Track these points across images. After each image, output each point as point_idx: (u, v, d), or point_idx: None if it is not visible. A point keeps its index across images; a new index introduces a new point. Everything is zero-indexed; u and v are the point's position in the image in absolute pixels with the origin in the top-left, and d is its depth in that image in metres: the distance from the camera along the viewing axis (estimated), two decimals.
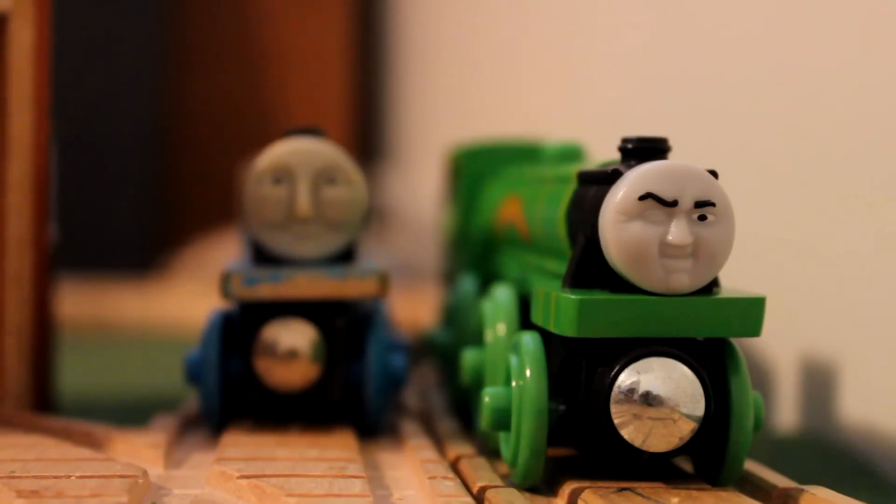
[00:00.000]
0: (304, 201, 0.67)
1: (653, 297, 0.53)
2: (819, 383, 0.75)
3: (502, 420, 0.56)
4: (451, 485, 0.54)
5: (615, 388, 0.52)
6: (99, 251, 2.00)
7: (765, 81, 0.83)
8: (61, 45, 0.81)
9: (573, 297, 0.53)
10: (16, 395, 0.74)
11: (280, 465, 0.57)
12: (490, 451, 0.62)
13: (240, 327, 0.68)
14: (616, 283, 0.54)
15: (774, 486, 0.54)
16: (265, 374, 0.67)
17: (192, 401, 0.75)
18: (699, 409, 0.52)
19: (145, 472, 0.55)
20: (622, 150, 0.56)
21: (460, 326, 0.75)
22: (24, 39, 0.73)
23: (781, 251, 0.80)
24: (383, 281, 0.67)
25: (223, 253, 1.46)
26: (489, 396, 0.56)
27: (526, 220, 0.68)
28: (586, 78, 1.22)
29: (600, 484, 0.54)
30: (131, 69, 2.17)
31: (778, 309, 0.62)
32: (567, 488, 0.54)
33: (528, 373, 0.54)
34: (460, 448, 0.63)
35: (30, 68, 0.73)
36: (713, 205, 0.53)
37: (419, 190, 1.84)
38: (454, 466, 0.59)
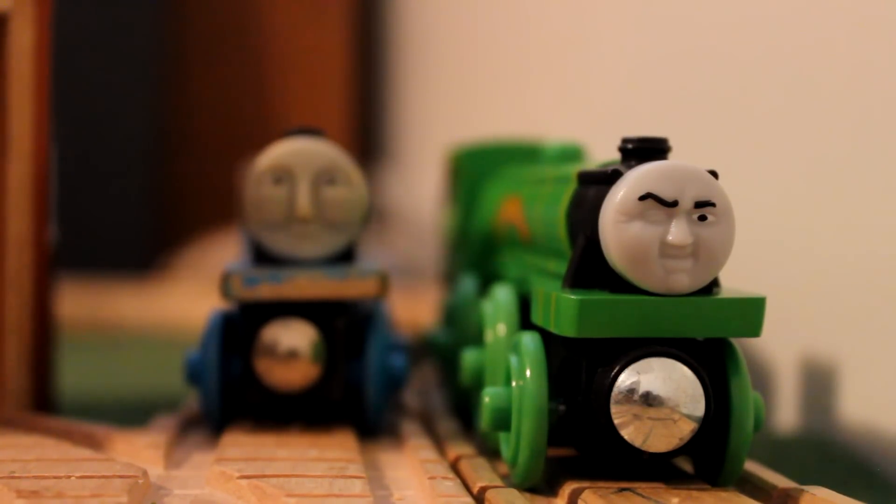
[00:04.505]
0: (304, 201, 0.67)
1: (653, 298, 0.53)
2: (819, 383, 0.75)
3: (502, 420, 0.56)
4: (451, 485, 0.54)
5: (615, 389, 0.52)
6: (99, 251, 2.00)
7: (765, 82, 0.83)
8: (61, 45, 0.81)
9: (573, 297, 0.53)
10: (16, 395, 0.74)
11: (280, 465, 0.57)
12: (490, 451, 0.62)
13: (240, 327, 0.68)
14: (616, 283, 0.54)
15: (774, 486, 0.54)
16: (265, 375, 0.67)
17: (192, 401, 0.75)
18: (699, 410, 0.52)
19: (145, 473, 0.55)
20: (622, 150, 0.56)
21: (460, 327, 0.75)
22: (24, 39, 0.73)
23: (781, 251, 0.80)
24: (383, 281, 0.67)
25: (223, 253, 1.46)
26: (489, 396, 0.56)
27: (526, 220, 0.68)
28: (586, 78, 1.22)
29: (600, 484, 0.54)
30: (131, 69, 2.17)
31: (778, 309, 0.62)
32: (567, 488, 0.54)
33: (528, 373, 0.54)
34: (460, 448, 0.63)
35: (30, 68, 0.73)
36: (713, 205, 0.53)
37: (419, 190, 1.84)
38: (454, 466, 0.59)
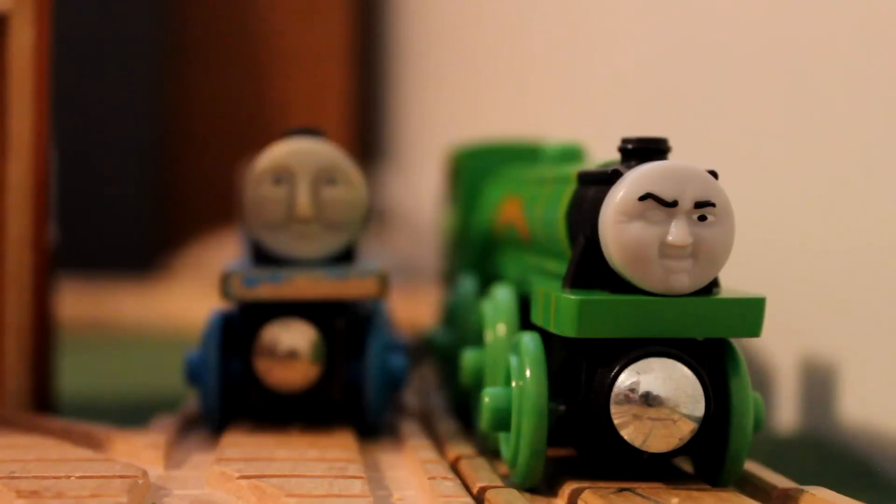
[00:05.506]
0: (304, 202, 0.67)
1: (653, 298, 0.53)
2: (819, 383, 0.75)
3: (502, 420, 0.56)
4: (451, 485, 0.54)
5: (615, 389, 0.52)
6: (99, 251, 2.00)
7: (765, 82, 0.83)
8: (61, 45, 0.81)
9: (573, 297, 0.53)
10: (16, 395, 0.74)
11: (280, 466, 0.57)
12: (490, 451, 0.62)
13: (240, 327, 0.68)
14: (616, 283, 0.54)
15: (774, 487, 0.54)
16: (265, 375, 0.67)
17: (192, 401, 0.75)
18: (699, 410, 0.52)
19: (145, 473, 0.55)
20: (622, 150, 0.56)
21: (460, 327, 0.75)
22: (24, 39, 0.73)
23: (782, 251, 0.80)
24: (383, 281, 0.67)
25: (223, 253, 1.46)
26: (489, 397, 0.56)
27: (526, 220, 0.68)
28: (586, 78, 1.23)
29: (600, 484, 0.54)
30: (131, 69, 2.17)
31: (778, 309, 0.62)
32: (567, 488, 0.54)
33: (528, 373, 0.54)
34: (460, 448, 0.63)
35: (30, 68, 0.73)
36: (713, 205, 0.53)
37: (419, 190, 1.84)
38: (454, 467, 0.59)
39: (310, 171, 0.68)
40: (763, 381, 0.80)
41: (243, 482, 0.54)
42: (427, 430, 0.69)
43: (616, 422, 0.52)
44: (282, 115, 2.24)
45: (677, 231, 0.52)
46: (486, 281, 0.75)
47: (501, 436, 0.58)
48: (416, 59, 2.19)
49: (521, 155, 0.83)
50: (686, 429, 0.52)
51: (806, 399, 0.77)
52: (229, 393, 0.68)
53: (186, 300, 1.43)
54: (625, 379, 0.52)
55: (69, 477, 0.53)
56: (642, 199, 0.52)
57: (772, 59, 0.83)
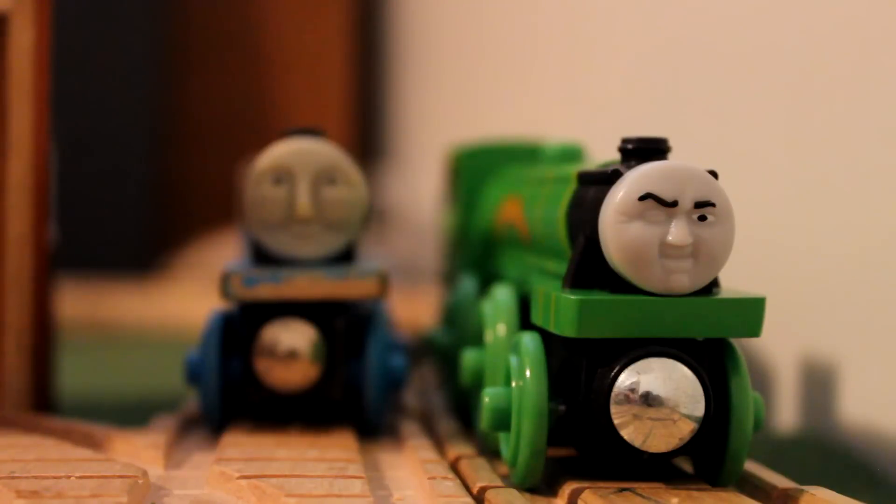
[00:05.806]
0: (304, 202, 0.67)
1: (653, 298, 0.53)
2: (819, 383, 0.75)
3: (502, 420, 0.56)
4: (451, 485, 0.54)
5: (615, 389, 0.52)
6: (99, 251, 2.00)
7: (765, 82, 0.83)
8: (61, 46, 0.81)
9: (573, 297, 0.53)
10: (16, 395, 0.74)
11: (280, 466, 0.57)
12: (490, 451, 0.62)
13: (240, 327, 0.68)
14: (616, 283, 0.54)
15: (774, 487, 0.54)
16: (265, 375, 0.67)
17: (192, 401, 0.75)
18: (699, 410, 0.52)
19: (145, 473, 0.55)
20: (622, 150, 0.56)
21: (460, 327, 0.75)
22: (24, 39, 0.73)
23: (781, 251, 0.80)
24: (383, 281, 0.67)
25: (223, 253, 1.46)
26: (489, 397, 0.56)
27: (526, 220, 0.68)
28: (586, 78, 1.22)
29: (600, 484, 0.54)
30: (131, 69, 2.17)
31: (778, 309, 0.62)
32: (567, 488, 0.54)
33: (528, 373, 0.54)
34: (460, 448, 0.63)
35: (30, 68, 0.73)
36: (713, 205, 0.53)
37: (419, 190, 1.84)
38: (454, 467, 0.59)
39: (310, 171, 0.68)
40: (763, 381, 0.80)
41: (243, 482, 0.54)
42: (427, 430, 0.69)
43: (616, 422, 0.52)
44: (282, 115, 2.24)
45: (677, 231, 0.52)
46: (486, 281, 0.75)
47: (501, 436, 0.58)
48: (416, 60, 2.19)
49: (521, 155, 0.83)
50: (686, 429, 0.52)
51: (806, 399, 0.77)
52: (229, 393, 0.68)
53: (186, 300, 1.43)
54: (625, 379, 0.52)
55: (69, 477, 0.53)
56: (642, 199, 0.52)
57: (772, 59, 0.83)
